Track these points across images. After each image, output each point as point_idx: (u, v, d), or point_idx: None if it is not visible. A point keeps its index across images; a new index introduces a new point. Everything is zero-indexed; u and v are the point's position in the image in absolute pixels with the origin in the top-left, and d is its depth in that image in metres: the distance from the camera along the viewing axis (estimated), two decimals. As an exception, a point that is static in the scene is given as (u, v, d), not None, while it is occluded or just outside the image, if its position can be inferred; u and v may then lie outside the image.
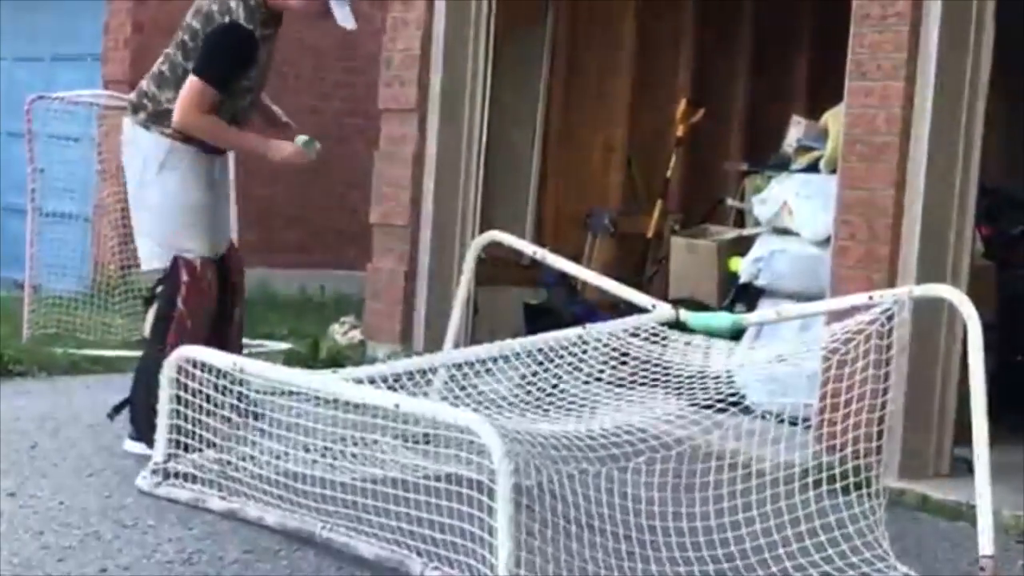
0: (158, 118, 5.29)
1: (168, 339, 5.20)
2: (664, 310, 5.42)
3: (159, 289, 5.37)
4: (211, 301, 5.35)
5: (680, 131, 8.57)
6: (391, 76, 7.96)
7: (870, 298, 4.76)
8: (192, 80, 5.19)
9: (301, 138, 5.36)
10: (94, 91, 9.33)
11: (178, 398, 4.72)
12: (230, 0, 5.22)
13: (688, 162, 8.87)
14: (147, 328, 5.46)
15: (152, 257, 5.37)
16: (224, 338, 5.37)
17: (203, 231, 5.33)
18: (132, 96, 5.49)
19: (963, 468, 5.60)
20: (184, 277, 5.26)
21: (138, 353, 7.68)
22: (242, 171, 9.08)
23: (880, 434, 4.82)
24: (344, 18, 5.27)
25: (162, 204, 5.30)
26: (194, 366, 4.73)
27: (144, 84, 5.42)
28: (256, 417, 4.69)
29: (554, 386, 5.30)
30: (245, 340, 8.16)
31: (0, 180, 10.08)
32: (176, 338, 5.18)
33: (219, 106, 5.25)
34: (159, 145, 5.29)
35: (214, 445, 4.68)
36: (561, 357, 5.24)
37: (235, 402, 4.65)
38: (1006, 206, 7.12)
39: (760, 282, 6.90)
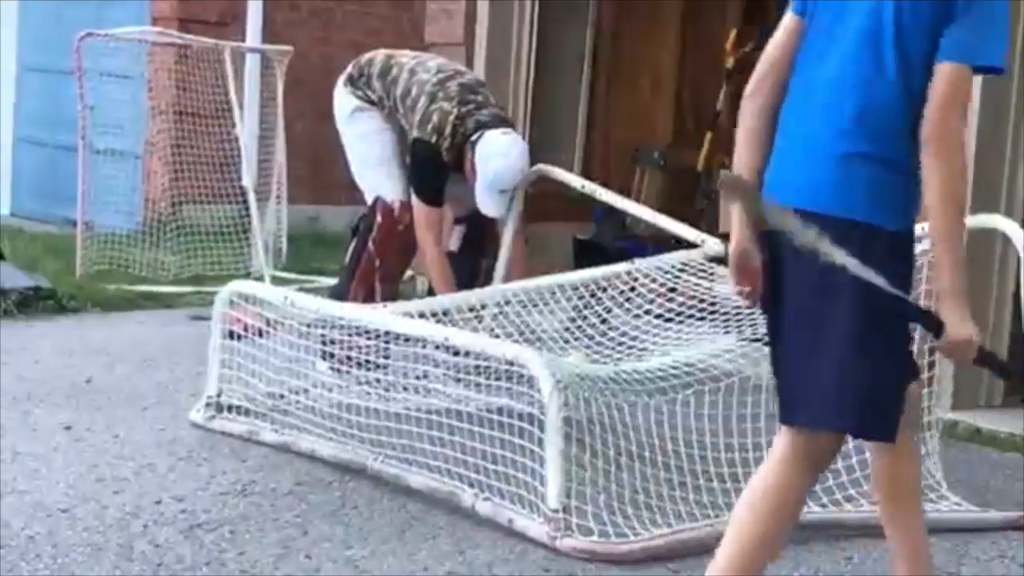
0: (352, 80, 5.69)
1: (357, 273, 5.53)
2: (713, 244, 5.39)
3: (360, 226, 5.67)
4: (407, 245, 5.59)
5: (731, 62, 8.46)
6: (437, 9, 7.91)
7: (921, 229, 4.70)
8: (417, 204, 5.48)
9: None
10: (143, 28, 9.32)
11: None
12: (447, 124, 5.43)
13: (739, 94, 8.72)
14: (347, 258, 5.75)
15: (365, 195, 5.71)
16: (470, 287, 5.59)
17: (399, 177, 5.59)
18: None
19: (1015, 400, 5.57)
20: (379, 218, 5.55)
21: (188, 289, 7.80)
22: (291, 107, 9.11)
23: (932, 365, 4.78)
24: (483, 204, 5.48)
25: (355, 149, 5.71)
26: (245, 300, 4.76)
27: (362, 59, 5.77)
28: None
29: (603, 320, 5.30)
30: (295, 275, 8.25)
31: (53, 119, 10.11)
32: (365, 273, 5.51)
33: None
34: (347, 100, 5.69)
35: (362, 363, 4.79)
36: (605, 291, 5.24)
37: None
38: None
39: (810, 214, 6.82)
